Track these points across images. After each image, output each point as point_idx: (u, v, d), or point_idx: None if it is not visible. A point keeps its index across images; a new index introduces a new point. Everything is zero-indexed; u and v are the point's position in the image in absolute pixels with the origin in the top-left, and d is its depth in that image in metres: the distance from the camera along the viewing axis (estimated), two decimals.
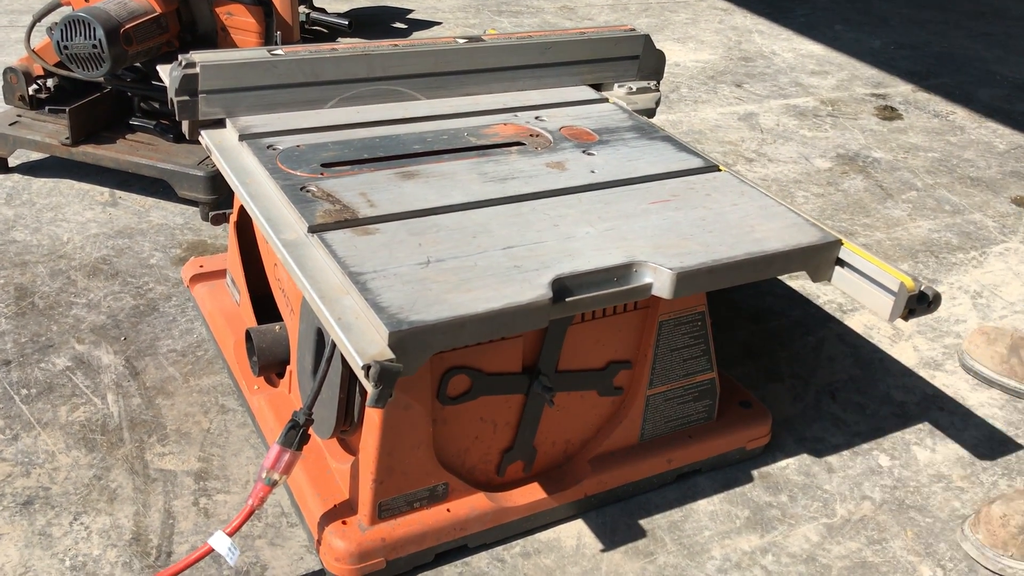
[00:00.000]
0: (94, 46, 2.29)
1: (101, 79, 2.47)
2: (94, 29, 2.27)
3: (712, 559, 1.62)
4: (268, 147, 1.65)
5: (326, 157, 1.64)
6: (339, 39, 3.77)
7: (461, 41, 1.93)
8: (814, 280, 1.57)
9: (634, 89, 2.07)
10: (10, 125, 2.56)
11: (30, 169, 2.69)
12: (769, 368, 2.12)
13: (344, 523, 1.51)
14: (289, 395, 1.75)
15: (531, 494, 1.62)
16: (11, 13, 3.82)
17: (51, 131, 2.53)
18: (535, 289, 1.33)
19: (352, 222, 1.46)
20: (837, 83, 3.91)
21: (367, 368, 1.16)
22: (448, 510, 1.55)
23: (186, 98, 1.69)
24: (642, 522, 1.68)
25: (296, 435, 1.42)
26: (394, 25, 4.11)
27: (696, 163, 1.76)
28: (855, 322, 2.32)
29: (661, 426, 1.74)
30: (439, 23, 4.17)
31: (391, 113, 1.83)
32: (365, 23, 4.05)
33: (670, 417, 1.75)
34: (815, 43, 4.39)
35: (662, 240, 1.49)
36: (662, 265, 1.41)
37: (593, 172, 1.69)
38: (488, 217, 1.52)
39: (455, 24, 4.16)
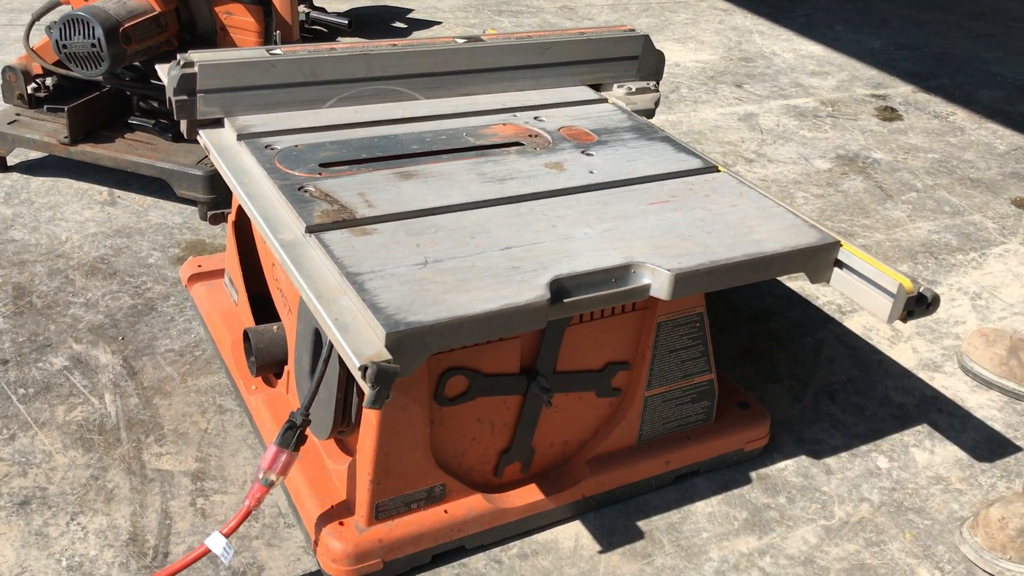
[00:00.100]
0: (93, 45, 2.29)
1: (100, 78, 2.47)
2: (93, 28, 2.27)
3: (710, 561, 1.62)
4: (266, 147, 1.65)
5: (324, 157, 1.64)
6: (339, 38, 3.76)
7: (460, 41, 1.92)
8: (813, 281, 1.57)
9: (633, 89, 2.07)
10: (9, 124, 2.56)
11: (29, 168, 2.69)
12: (768, 369, 2.12)
13: (341, 524, 1.50)
14: (287, 395, 1.75)
15: (529, 495, 1.62)
16: (10, 12, 3.82)
17: (50, 130, 2.53)
18: (533, 290, 1.33)
19: (350, 222, 1.45)
20: (837, 84, 3.91)
21: (364, 369, 1.16)
22: (445, 511, 1.54)
23: (184, 97, 1.69)
24: (640, 523, 1.68)
25: (293, 436, 1.41)
26: (394, 24, 4.11)
27: (695, 164, 1.76)
28: (854, 323, 2.31)
29: (659, 427, 1.74)
30: (439, 23, 4.16)
31: (390, 113, 1.83)
32: (365, 22, 4.04)
33: (668, 418, 1.74)
34: (815, 44, 4.38)
35: (661, 241, 1.48)
36: (660, 266, 1.41)
37: (592, 173, 1.68)
38: (486, 217, 1.52)
39: (455, 24, 4.16)
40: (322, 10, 3.79)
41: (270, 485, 1.41)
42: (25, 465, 1.68)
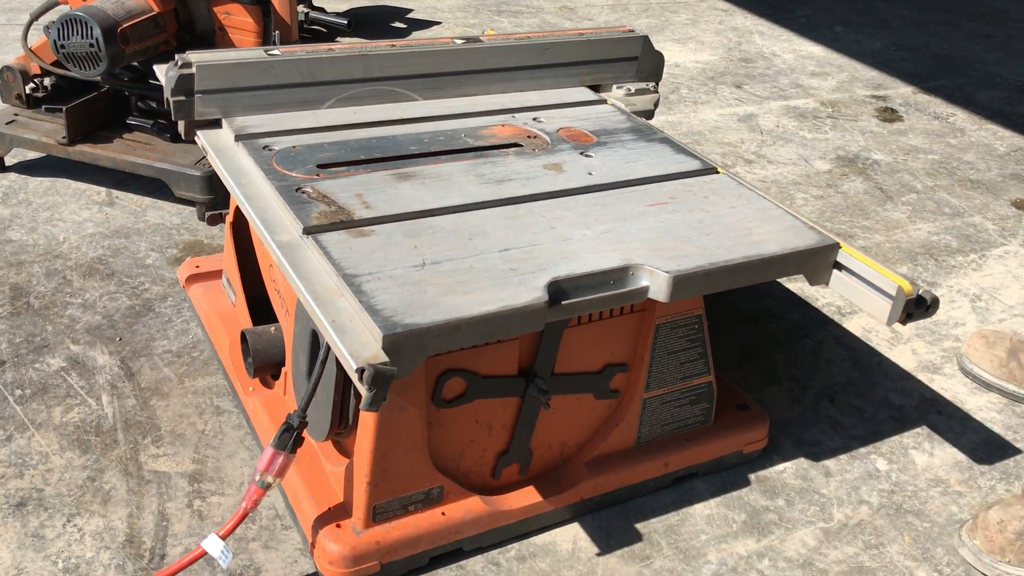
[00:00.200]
0: (91, 45, 2.28)
1: (98, 78, 2.46)
2: (91, 28, 2.26)
3: (708, 563, 1.62)
4: (264, 148, 1.65)
5: (322, 158, 1.63)
6: (338, 39, 3.76)
7: (459, 42, 1.92)
8: (812, 283, 1.57)
9: (632, 90, 2.06)
10: (7, 124, 2.55)
11: (27, 168, 2.68)
12: (767, 371, 2.12)
13: (338, 526, 1.50)
14: (284, 397, 1.75)
15: (527, 497, 1.61)
16: (9, 11, 3.81)
17: (48, 130, 2.52)
18: (531, 292, 1.33)
19: (347, 224, 1.45)
20: (837, 84, 3.90)
21: (361, 371, 1.16)
22: (443, 513, 1.54)
23: (182, 98, 1.68)
24: (638, 526, 1.68)
25: (290, 438, 1.41)
26: (393, 25, 4.10)
27: (694, 165, 1.75)
28: (854, 325, 2.31)
29: (658, 429, 1.74)
30: (438, 23, 4.16)
31: (388, 114, 1.82)
32: (364, 23, 4.04)
33: (667, 420, 1.74)
34: (815, 44, 4.38)
35: (659, 243, 1.48)
36: (659, 268, 1.40)
37: (590, 174, 1.68)
38: (484, 219, 1.51)
39: (454, 24, 4.16)
40: (321, 10, 3.79)
41: (267, 487, 1.40)
42: (22, 466, 1.68)
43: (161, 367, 1.94)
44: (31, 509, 1.60)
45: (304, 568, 1.53)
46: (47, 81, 2.61)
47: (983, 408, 2.07)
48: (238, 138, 1.67)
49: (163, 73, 1.71)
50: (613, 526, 1.67)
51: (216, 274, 2.08)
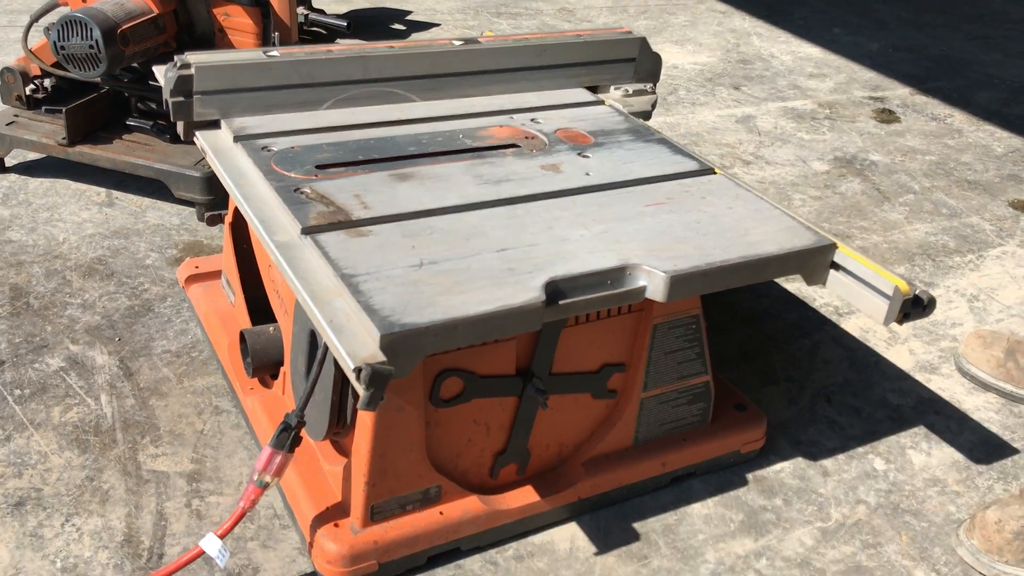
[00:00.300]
0: (91, 46, 2.29)
1: (98, 79, 2.47)
2: (91, 30, 2.27)
3: (706, 563, 1.62)
4: (263, 148, 1.65)
5: (320, 159, 1.64)
6: (338, 40, 3.76)
7: (457, 43, 1.93)
8: (809, 284, 1.57)
9: (630, 91, 2.07)
10: (7, 125, 2.56)
11: (27, 169, 2.69)
12: (764, 371, 2.12)
13: (336, 525, 1.50)
14: (283, 396, 1.75)
15: (524, 497, 1.62)
16: (10, 13, 3.82)
17: (48, 131, 2.53)
18: (528, 292, 1.33)
19: (346, 224, 1.45)
20: (835, 86, 3.91)
21: (358, 371, 1.16)
22: (441, 513, 1.54)
23: (181, 99, 1.69)
24: (636, 525, 1.68)
25: (288, 437, 1.41)
26: (393, 26, 4.11)
27: (691, 166, 1.76)
28: (851, 325, 2.31)
29: (655, 429, 1.74)
30: (438, 24, 4.17)
31: (386, 115, 1.83)
32: (364, 24, 4.05)
33: (664, 420, 1.74)
34: (813, 46, 4.38)
35: (656, 243, 1.48)
36: (656, 268, 1.41)
37: (588, 175, 1.68)
38: (482, 219, 1.52)
39: (454, 25, 4.16)
40: (321, 12, 3.79)
41: (265, 487, 1.41)
42: (20, 466, 1.68)
43: (160, 367, 1.95)
44: (29, 509, 1.60)
45: (302, 567, 1.54)
46: (47, 82, 2.61)
47: (980, 408, 2.07)
48: (237, 139, 1.68)
49: (162, 74, 1.71)
50: (611, 526, 1.67)
51: (215, 274, 2.08)
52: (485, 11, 4.40)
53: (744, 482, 1.80)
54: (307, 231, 1.42)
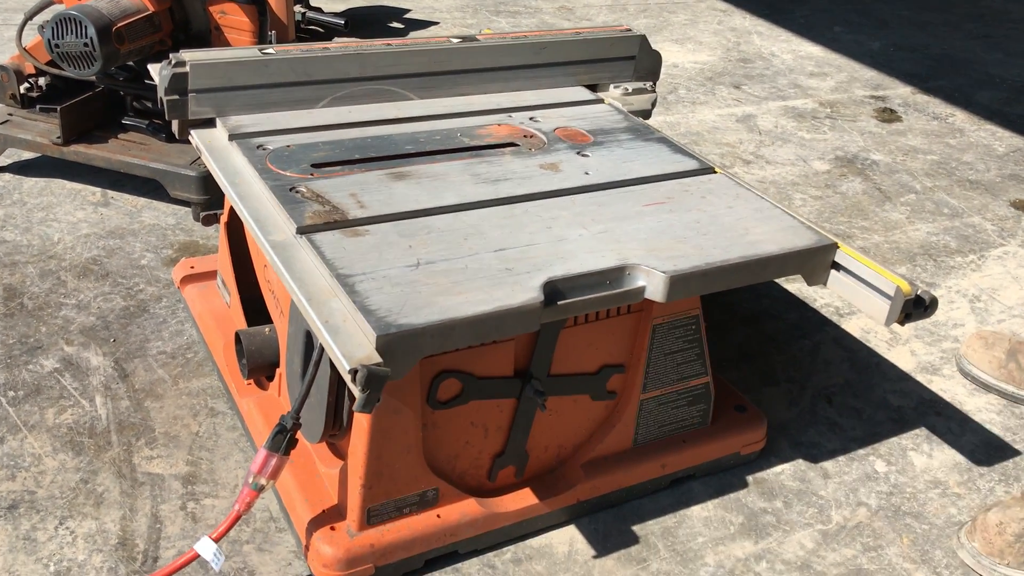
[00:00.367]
0: (85, 44, 2.27)
1: (93, 78, 2.45)
2: (85, 27, 2.25)
3: (706, 566, 1.60)
4: (258, 147, 1.63)
5: (316, 157, 1.62)
6: (335, 38, 3.75)
7: (455, 41, 1.91)
8: (809, 284, 1.55)
9: (630, 90, 2.05)
10: (1, 124, 2.54)
11: (21, 168, 2.67)
12: (765, 372, 2.11)
13: (332, 529, 1.49)
14: (279, 398, 1.73)
15: (523, 499, 1.60)
16: (4, 11, 3.80)
17: (42, 130, 2.51)
18: (526, 292, 1.32)
19: (341, 223, 1.44)
20: (836, 85, 3.89)
21: (354, 372, 1.15)
22: (438, 516, 1.53)
23: (176, 97, 1.67)
24: (635, 528, 1.66)
25: (283, 440, 1.40)
26: (391, 24, 4.09)
27: (691, 165, 1.74)
28: (852, 326, 2.30)
29: (655, 431, 1.72)
30: (436, 23, 4.15)
31: (383, 113, 1.81)
32: (361, 22, 4.03)
33: (664, 421, 1.73)
34: (814, 44, 4.37)
35: (656, 243, 1.47)
36: (655, 268, 1.39)
37: (587, 174, 1.67)
38: (480, 219, 1.50)
39: (452, 23, 4.15)
40: (318, 10, 3.77)
41: (260, 489, 1.39)
42: (14, 468, 1.67)
43: (155, 368, 1.93)
44: (23, 511, 1.58)
45: (298, 571, 1.52)
46: (42, 81, 2.60)
47: (982, 409, 2.06)
48: (232, 137, 1.66)
49: (157, 72, 1.70)
50: (610, 528, 1.66)
51: (211, 275, 2.06)
52: (484, 9, 4.38)
53: (744, 484, 1.78)
54: (302, 231, 1.41)
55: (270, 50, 1.75)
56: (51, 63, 2.51)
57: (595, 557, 1.60)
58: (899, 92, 3.88)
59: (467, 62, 1.91)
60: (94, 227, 2.41)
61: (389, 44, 1.85)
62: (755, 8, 4.83)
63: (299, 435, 1.43)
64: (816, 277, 1.55)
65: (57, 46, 2.29)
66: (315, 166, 1.59)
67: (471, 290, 1.31)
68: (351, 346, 1.19)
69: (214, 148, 1.66)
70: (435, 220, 1.48)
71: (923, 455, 1.91)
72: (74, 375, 1.89)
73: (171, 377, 1.91)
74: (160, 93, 1.67)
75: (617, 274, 1.40)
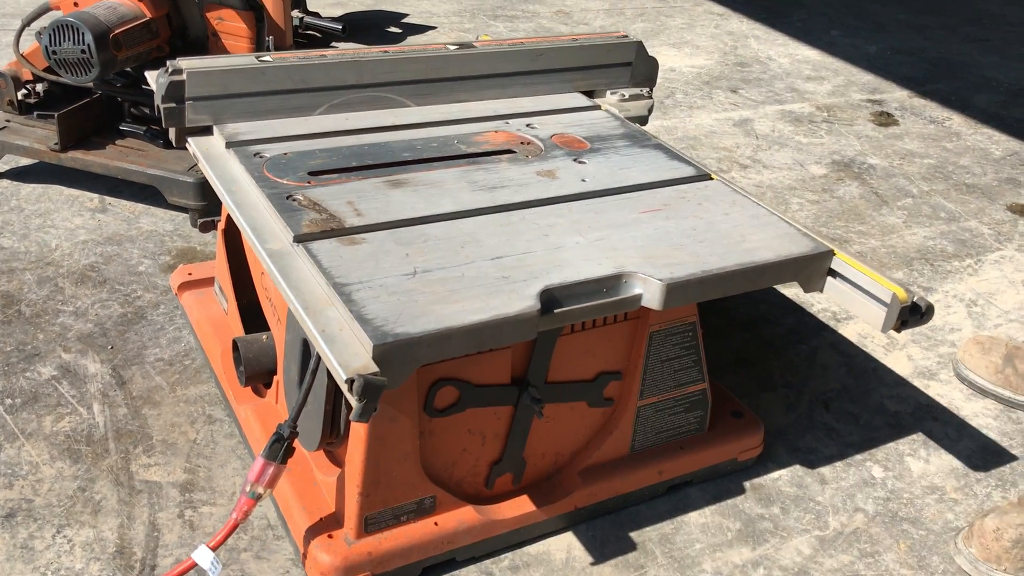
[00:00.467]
0: (83, 51, 2.27)
1: (90, 84, 2.45)
2: (83, 34, 2.25)
3: (703, 572, 1.61)
4: (255, 155, 1.64)
5: (313, 165, 1.62)
6: (333, 44, 3.75)
7: (452, 47, 1.91)
8: (806, 291, 1.56)
9: (626, 96, 2.06)
10: None
11: (19, 175, 2.67)
12: (762, 377, 2.11)
13: (330, 536, 1.49)
14: (276, 405, 1.73)
15: (520, 507, 1.60)
16: (1, 17, 3.80)
17: (40, 136, 2.51)
18: (523, 300, 1.32)
19: (338, 232, 1.44)
20: (833, 89, 3.90)
21: (351, 382, 1.15)
22: (436, 523, 1.53)
23: (173, 105, 1.67)
24: (632, 535, 1.66)
25: (281, 448, 1.40)
26: (388, 30, 4.10)
27: (688, 171, 1.74)
28: (849, 331, 2.30)
29: (652, 437, 1.73)
30: (434, 28, 4.15)
31: (380, 120, 1.81)
32: (359, 27, 4.03)
33: (661, 428, 1.73)
34: (811, 48, 4.38)
35: (652, 250, 1.47)
36: (652, 276, 1.40)
37: (584, 181, 1.67)
38: (477, 227, 1.50)
39: (450, 29, 4.15)
40: (316, 15, 3.78)
41: (257, 498, 1.39)
42: (11, 477, 1.67)
43: (153, 375, 1.93)
44: (20, 520, 1.58)
45: None
46: (39, 87, 2.60)
47: (979, 414, 2.06)
48: (229, 145, 1.66)
49: (154, 80, 1.70)
50: (607, 535, 1.66)
51: (208, 281, 2.07)
52: (481, 14, 4.39)
53: (741, 490, 1.78)
54: (299, 239, 1.41)
55: (267, 57, 1.76)
56: (48, 69, 2.51)
57: (593, 564, 1.60)
58: (896, 96, 3.89)
59: (464, 69, 1.91)
60: (92, 233, 2.41)
61: (386, 51, 1.85)
62: (752, 12, 4.84)
63: (297, 443, 1.43)
64: (812, 284, 1.55)
65: (54, 52, 2.29)
66: (312, 174, 1.60)
67: (468, 299, 1.31)
68: (348, 355, 1.19)
69: (211, 156, 1.66)
70: (432, 228, 1.49)
71: (920, 460, 1.91)
72: (72, 382, 1.89)
73: (169, 384, 1.91)
74: (157, 101, 1.67)
75: (614, 282, 1.40)
